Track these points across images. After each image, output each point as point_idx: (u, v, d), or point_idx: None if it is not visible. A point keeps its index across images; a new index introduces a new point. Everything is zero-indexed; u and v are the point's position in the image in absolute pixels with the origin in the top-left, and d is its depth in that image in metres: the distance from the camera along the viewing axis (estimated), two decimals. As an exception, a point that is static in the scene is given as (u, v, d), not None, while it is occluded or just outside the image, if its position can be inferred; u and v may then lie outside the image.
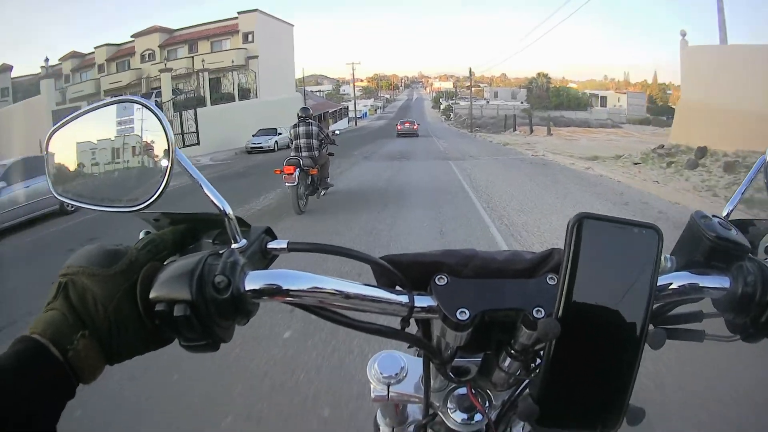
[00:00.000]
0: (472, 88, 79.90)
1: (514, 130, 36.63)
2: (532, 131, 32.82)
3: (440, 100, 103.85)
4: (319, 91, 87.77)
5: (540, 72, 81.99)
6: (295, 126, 7.38)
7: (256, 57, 36.83)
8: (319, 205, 7.54)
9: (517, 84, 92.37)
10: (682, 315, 0.63)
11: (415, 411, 0.85)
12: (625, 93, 78.97)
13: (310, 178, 7.21)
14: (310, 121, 7.32)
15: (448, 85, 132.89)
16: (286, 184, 6.76)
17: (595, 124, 49.20)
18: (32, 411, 0.41)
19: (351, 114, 62.28)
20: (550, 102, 75.16)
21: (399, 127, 34.29)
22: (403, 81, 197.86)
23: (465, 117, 64.23)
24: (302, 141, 7.37)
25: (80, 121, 0.57)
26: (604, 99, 79.27)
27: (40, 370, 0.43)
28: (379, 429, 0.90)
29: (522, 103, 76.40)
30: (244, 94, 34.85)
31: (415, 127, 35.21)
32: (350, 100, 73.88)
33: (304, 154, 7.26)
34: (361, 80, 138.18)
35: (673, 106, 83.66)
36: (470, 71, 48.66)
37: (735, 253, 0.59)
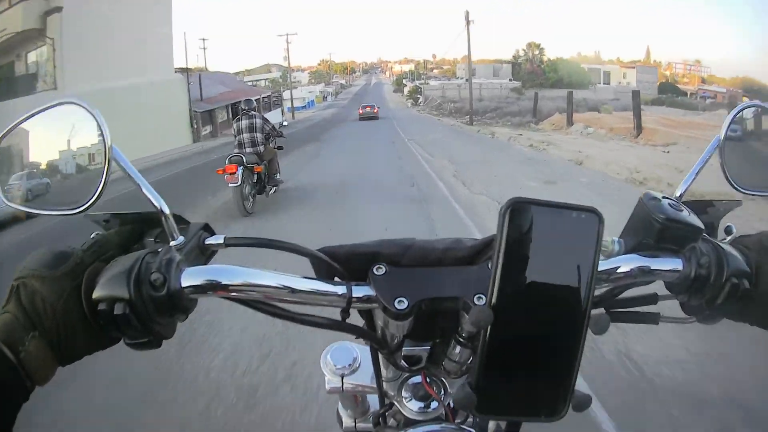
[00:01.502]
0: (435, 70, 62.05)
1: (571, 123, 21.43)
2: (640, 129, 16.16)
3: (403, 81, 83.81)
4: (265, 79, 79.32)
5: (531, 42, 64.37)
6: (237, 120, 7.20)
7: (58, 11, 19.61)
8: (268, 204, 7.37)
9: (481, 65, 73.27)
10: (636, 298, 0.64)
11: (375, 401, 0.85)
12: (633, 67, 69.45)
13: (255, 176, 6.98)
14: (254, 113, 7.21)
15: (410, 69, 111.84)
16: (229, 184, 6.45)
17: (617, 106, 36.47)
18: None
19: (293, 102, 52.57)
20: (547, 79, 64.85)
21: (360, 111, 38.15)
22: (361, 66, 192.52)
23: (440, 101, 54.05)
24: (245, 136, 7.11)
25: (25, 126, 0.60)
26: (607, 75, 69.61)
27: None
28: (342, 420, 0.92)
29: (510, 80, 67.38)
30: (20, 83, 18.42)
31: (375, 110, 38.44)
32: (300, 88, 66.82)
33: (247, 150, 7.03)
34: (321, 65, 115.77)
35: (681, 86, 63.23)
36: (466, 15, 29.88)
37: (687, 235, 0.59)
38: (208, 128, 31.16)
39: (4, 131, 0.60)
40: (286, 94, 51.69)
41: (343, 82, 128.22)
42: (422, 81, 76.17)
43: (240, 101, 8.13)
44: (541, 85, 60.96)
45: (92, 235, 0.57)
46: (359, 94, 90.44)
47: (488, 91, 55.22)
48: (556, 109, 26.17)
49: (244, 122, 7.17)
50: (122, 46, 20.25)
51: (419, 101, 59.20)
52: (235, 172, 6.43)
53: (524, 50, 69.54)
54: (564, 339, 0.48)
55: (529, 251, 0.47)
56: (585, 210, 0.48)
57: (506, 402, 0.50)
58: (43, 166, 0.62)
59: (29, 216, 4.03)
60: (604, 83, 63.37)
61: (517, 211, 0.47)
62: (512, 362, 0.49)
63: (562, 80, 62.07)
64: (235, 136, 7.18)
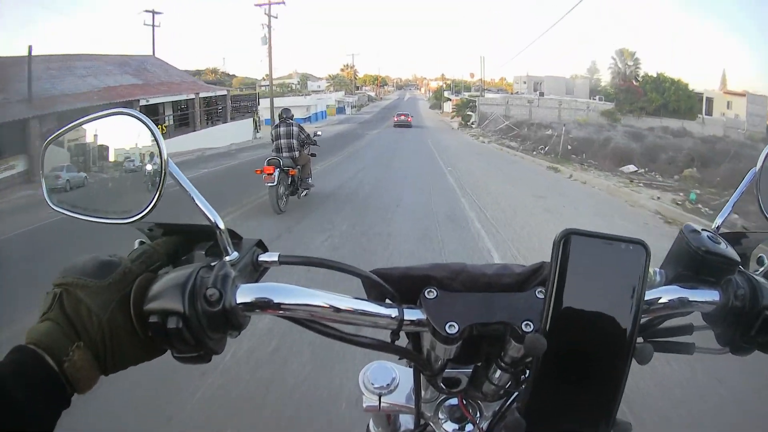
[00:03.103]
0: (481, 88, 44.92)
1: None
2: None
3: (444, 94, 63.82)
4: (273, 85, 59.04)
5: (623, 49, 44.92)
6: (276, 127, 8.98)
7: None
8: (299, 205, 8.85)
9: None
10: (672, 328, 0.68)
11: (407, 421, 0.94)
12: (743, 95, 47.87)
13: (290, 179, 8.59)
14: (291, 122, 8.98)
15: (451, 81, 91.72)
16: (266, 184, 7.94)
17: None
18: (28, 420, 0.46)
19: (273, 113, 30.61)
20: (648, 101, 46.75)
21: (395, 119, 46.42)
22: (395, 82, 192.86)
23: (507, 122, 36.12)
24: (283, 141, 8.78)
25: (75, 132, 0.65)
26: (709, 102, 49.48)
27: (36, 380, 0.47)
28: None
29: (599, 99, 49.11)
30: None
31: (409, 119, 45.93)
32: (314, 95, 56.20)
33: (284, 154, 8.69)
34: (344, 71, 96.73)
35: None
36: None
37: (724, 267, 0.63)
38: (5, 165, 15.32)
39: (53, 135, 0.64)
40: (287, 101, 33.83)
41: (373, 94, 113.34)
42: (472, 93, 55.24)
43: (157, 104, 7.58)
44: (642, 109, 46.81)
45: (136, 244, 0.61)
46: (388, 108, 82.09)
47: (569, 112, 41.91)
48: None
49: (283, 129, 8.72)
50: None
51: (472, 121, 39.68)
52: (273, 173, 7.78)
53: (613, 58, 50.01)
54: (609, 368, 0.52)
55: (580, 280, 0.50)
56: (633, 242, 0.51)
57: (552, 428, 0.53)
58: (92, 174, 0.66)
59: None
60: (705, 113, 48.85)
61: (570, 241, 0.50)
62: (560, 389, 0.52)
63: (667, 106, 47.23)
64: (273, 141, 8.87)
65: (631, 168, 15.32)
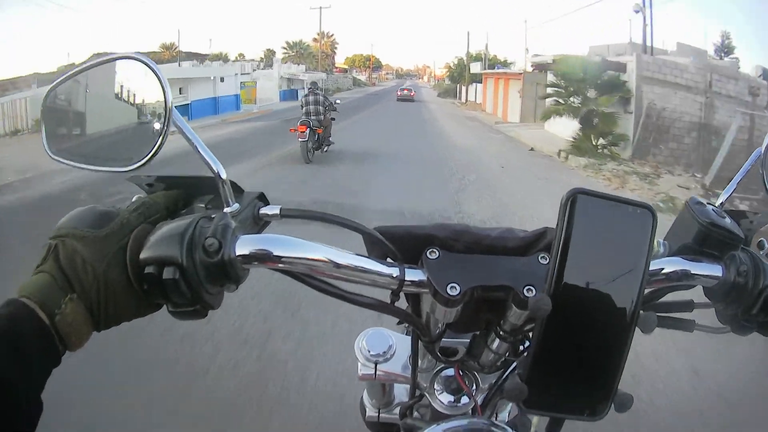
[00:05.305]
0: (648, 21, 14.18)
1: None
2: None
3: (469, 70, 34.01)
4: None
5: None
6: (306, 96, 13.77)
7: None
8: (323, 158, 13.83)
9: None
10: (673, 303, 0.74)
11: (401, 392, 1.00)
12: None
13: (316, 136, 13.65)
14: (318, 92, 14.04)
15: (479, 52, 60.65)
16: (299, 139, 12.62)
17: None
18: (17, 378, 0.45)
19: None
20: None
21: (399, 93, 52.18)
22: (396, 71, 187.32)
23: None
24: (311, 107, 13.39)
25: (79, 78, 0.66)
26: None
27: (27, 335, 0.47)
28: (365, 410, 1.03)
29: None
30: None
31: (412, 94, 51.41)
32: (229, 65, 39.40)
33: (312, 117, 13.37)
34: (318, 42, 67.64)
35: None
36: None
37: (728, 242, 0.67)
38: None
39: (57, 81, 0.66)
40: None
41: (363, 78, 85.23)
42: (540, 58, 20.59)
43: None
44: None
45: (134, 198, 0.63)
46: (376, 94, 60.54)
47: None
48: None
49: (311, 98, 13.22)
50: None
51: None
52: (305, 131, 12.24)
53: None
54: (612, 336, 0.52)
55: (586, 244, 0.50)
56: (640, 206, 0.52)
57: (553, 397, 0.53)
58: (94, 121, 0.66)
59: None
60: None
61: (577, 201, 0.50)
62: (562, 356, 0.52)
63: None
64: (302, 107, 13.58)
65: None
